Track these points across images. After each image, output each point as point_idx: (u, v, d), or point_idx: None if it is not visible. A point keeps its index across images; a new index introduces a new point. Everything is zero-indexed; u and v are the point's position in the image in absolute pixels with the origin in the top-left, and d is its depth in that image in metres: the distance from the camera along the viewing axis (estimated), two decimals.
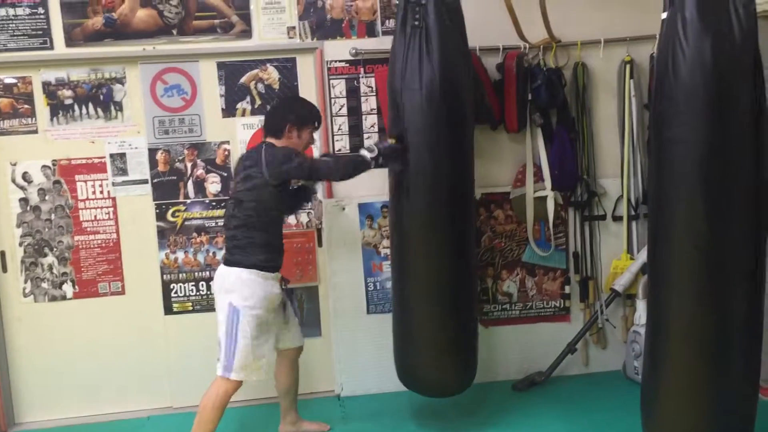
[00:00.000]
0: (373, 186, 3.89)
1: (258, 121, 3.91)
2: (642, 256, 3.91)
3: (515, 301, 4.13)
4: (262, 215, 3.14)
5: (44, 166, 3.79)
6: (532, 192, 3.97)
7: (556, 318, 4.15)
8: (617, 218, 4.09)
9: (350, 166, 3.26)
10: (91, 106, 3.79)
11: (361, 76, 3.91)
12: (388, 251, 3.97)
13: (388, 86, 3.34)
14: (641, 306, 3.88)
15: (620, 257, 4.05)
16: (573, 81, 3.99)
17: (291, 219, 3.97)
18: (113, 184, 3.85)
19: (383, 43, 3.81)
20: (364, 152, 3.26)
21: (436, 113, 3.16)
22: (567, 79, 3.96)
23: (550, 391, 3.95)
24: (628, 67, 3.96)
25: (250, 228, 3.13)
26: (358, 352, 4.01)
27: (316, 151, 3.81)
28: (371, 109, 3.93)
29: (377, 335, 3.95)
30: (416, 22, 3.18)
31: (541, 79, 3.82)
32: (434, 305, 3.30)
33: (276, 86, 3.91)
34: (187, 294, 3.94)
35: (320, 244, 4.03)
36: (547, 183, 3.95)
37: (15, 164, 3.78)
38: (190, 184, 3.90)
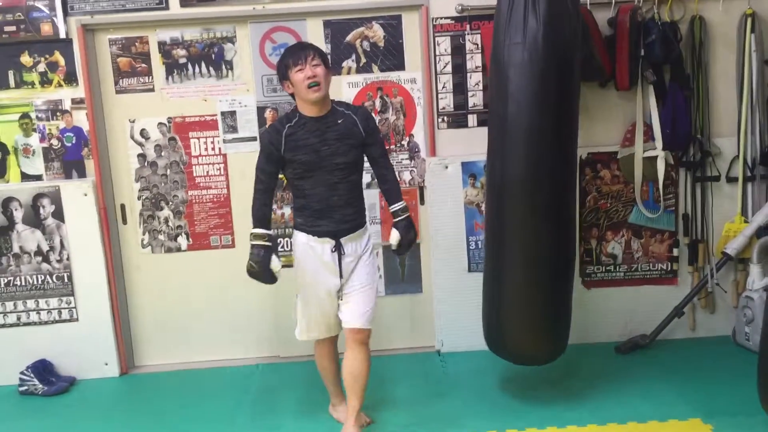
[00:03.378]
0: (476, 145, 3.87)
1: (363, 79, 3.94)
2: (758, 219, 3.76)
3: (620, 262, 4.05)
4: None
5: (160, 123, 3.96)
6: (641, 151, 3.86)
7: (662, 281, 4.05)
8: (732, 179, 3.92)
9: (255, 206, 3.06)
10: (203, 65, 3.92)
11: (466, 33, 3.86)
12: None
13: (492, 40, 3.26)
14: (755, 270, 3.75)
15: (734, 220, 3.90)
16: (689, 36, 3.82)
17: None
18: (224, 141, 3.98)
19: None
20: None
21: (539, 69, 3.06)
22: (683, 33, 3.80)
23: (654, 355, 3.88)
24: (749, 20, 3.75)
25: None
26: (458, 309, 4.04)
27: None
28: (476, 67, 3.89)
29: (478, 293, 3.92)
30: None
31: (656, 34, 3.68)
32: (528, 270, 3.21)
33: (381, 44, 3.92)
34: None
35: (422, 202, 4.05)
36: (658, 142, 3.82)
37: (134, 121, 3.96)
38: None
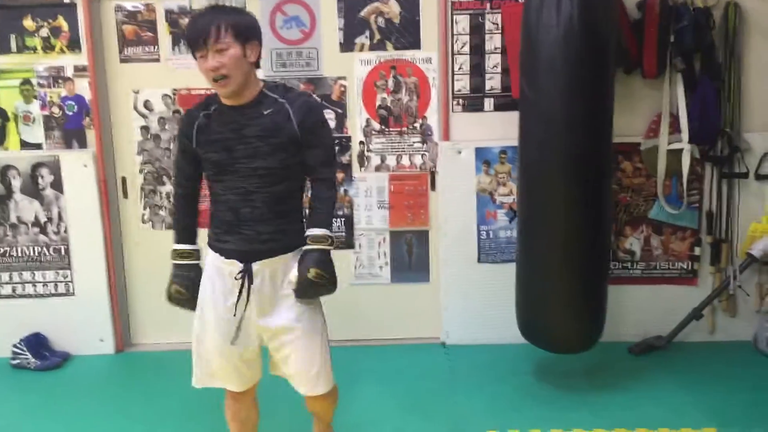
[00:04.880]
0: (492, 130, 3.73)
1: (376, 57, 3.78)
2: None
3: (638, 259, 3.87)
4: None
5: (165, 95, 3.82)
6: (666, 144, 3.66)
7: (681, 280, 3.86)
8: (761, 177, 3.72)
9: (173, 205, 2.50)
10: None
11: (486, 11, 3.68)
12: (503, 199, 3.81)
13: (523, 22, 3.10)
14: None
15: (761, 220, 3.71)
16: (723, 23, 3.61)
17: (404, 160, 3.86)
18: None
19: None
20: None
21: (573, 52, 2.91)
22: (716, 20, 3.59)
23: (669, 358, 3.70)
24: None
25: None
26: (466, 300, 3.90)
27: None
28: (495, 48, 3.71)
29: (487, 285, 3.84)
30: None
31: (687, 20, 3.47)
32: (563, 259, 3.11)
33: (396, 20, 3.75)
34: None
35: (433, 187, 3.90)
36: (684, 135, 3.62)
37: (137, 92, 3.83)
38: None
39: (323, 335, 2.42)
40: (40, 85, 3.75)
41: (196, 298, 2.40)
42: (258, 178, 2.28)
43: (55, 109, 3.77)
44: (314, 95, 3.67)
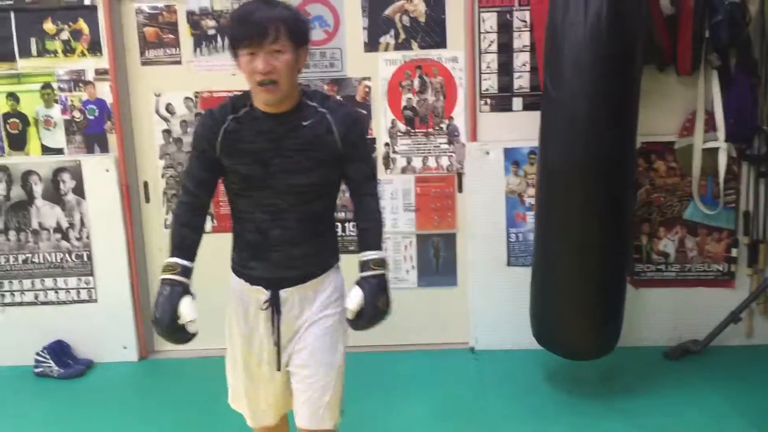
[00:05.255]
0: (520, 130, 3.64)
1: (401, 56, 3.70)
2: None
3: (672, 261, 3.77)
4: None
5: (187, 98, 3.76)
6: (701, 142, 3.56)
7: (717, 283, 3.75)
8: None
9: (172, 230, 2.14)
10: None
11: (514, 8, 3.59)
12: (532, 200, 3.71)
13: (548, 18, 3.01)
14: None
15: None
16: (759, 17, 3.50)
17: (431, 162, 3.78)
18: None
19: None
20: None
21: (600, 50, 2.82)
22: (752, 15, 3.47)
23: (706, 363, 3.59)
24: None
25: None
26: (495, 305, 3.80)
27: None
28: (524, 46, 3.62)
29: (517, 289, 3.72)
30: None
31: (722, 14, 3.36)
32: (580, 262, 3.03)
33: (422, 19, 3.67)
34: None
35: (460, 189, 3.81)
36: (720, 133, 3.51)
37: (159, 95, 3.77)
38: None
39: (342, 366, 2.18)
40: (61, 89, 3.70)
41: (170, 324, 1.98)
42: (294, 195, 2.04)
43: (77, 113, 3.72)
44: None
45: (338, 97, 3.71)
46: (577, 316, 3.14)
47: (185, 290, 2.01)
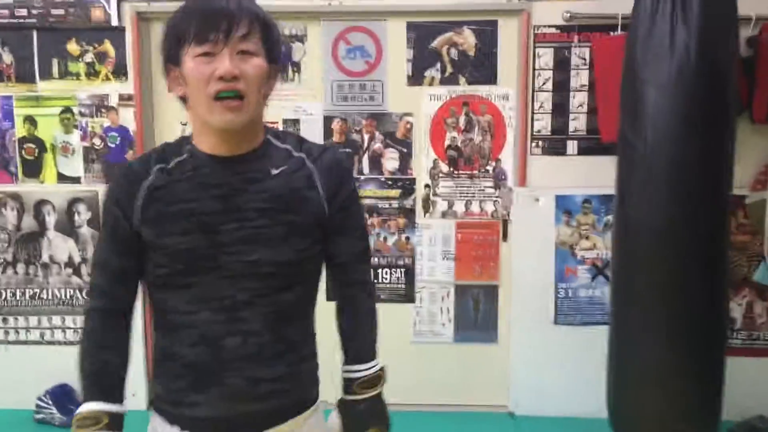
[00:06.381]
0: (575, 176, 3.35)
1: (447, 92, 3.43)
2: None
3: (738, 328, 3.43)
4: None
5: None
6: None
7: None
8: None
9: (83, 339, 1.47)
10: None
11: (573, 45, 3.31)
12: (585, 254, 3.41)
13: (626, 56, 2.72)
14: None
15: None
16: None
17: (474, 207, 3.48)
18: None
19: (604, 6, 3.21)
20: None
21: (688, 88, 2.52)
22: None
23: None
24: None
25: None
26: (539, 366, 3.47)
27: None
28: (581, 85, 3.34)
29: (564, 350, 3.43)
30: None
31: None
32: (668, 335, 2.69)
33: (471, 52, 3.40)
34: None
35: (505, 238, 3.50)
36: None
37: (185, 124, 3.52)
38: (365, 159, 3.49)
39: None
40: (82, 114, 3.47)
41: None
42: (258, 279, 1.37)
43: (97, 140, 3.48)
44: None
45: (377, 133, 3.46)
46: (667, 404, 2.74)
47: None
